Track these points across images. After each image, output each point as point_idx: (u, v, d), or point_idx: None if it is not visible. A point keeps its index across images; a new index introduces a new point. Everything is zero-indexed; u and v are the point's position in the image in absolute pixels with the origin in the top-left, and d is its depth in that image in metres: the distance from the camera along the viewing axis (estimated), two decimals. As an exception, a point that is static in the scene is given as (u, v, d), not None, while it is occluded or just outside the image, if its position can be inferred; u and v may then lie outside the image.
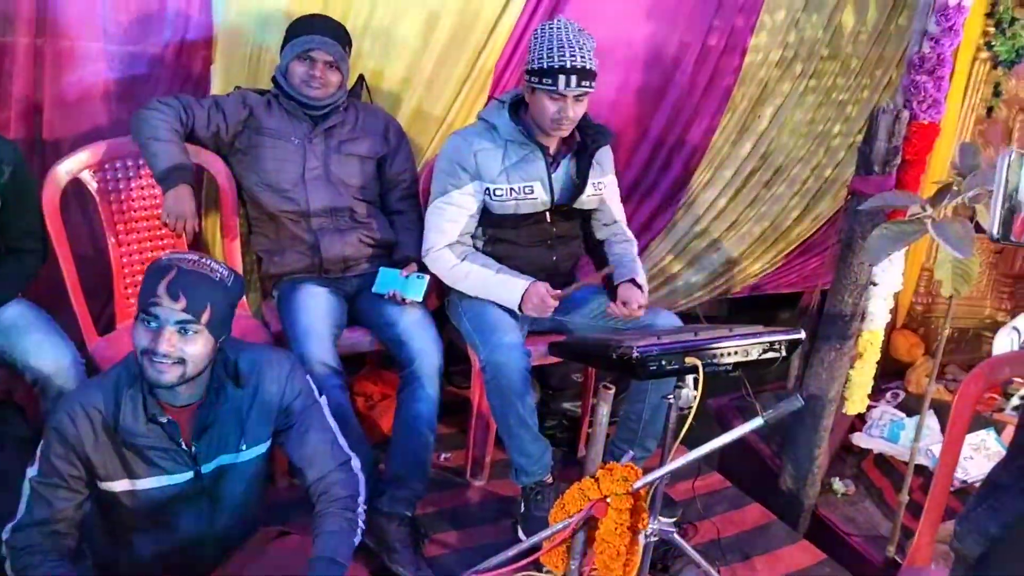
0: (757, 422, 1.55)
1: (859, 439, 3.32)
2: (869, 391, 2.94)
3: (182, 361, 1.57)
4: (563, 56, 2.27)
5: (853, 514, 3.02)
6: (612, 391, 1.50)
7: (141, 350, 1.56)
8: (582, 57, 2.29)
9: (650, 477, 1.52)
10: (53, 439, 1.61)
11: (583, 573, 1.55)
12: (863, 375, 2.87)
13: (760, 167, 3.63)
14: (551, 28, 2.32)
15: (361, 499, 1.80)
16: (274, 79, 2.49)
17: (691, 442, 3.10)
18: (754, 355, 1.97)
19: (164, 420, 1.63)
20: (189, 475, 1.69)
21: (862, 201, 2.50)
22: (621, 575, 1.50)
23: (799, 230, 3.86)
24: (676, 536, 2.13)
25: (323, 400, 1.85)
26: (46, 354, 2.06)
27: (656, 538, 2.06)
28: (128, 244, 2.49)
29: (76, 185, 2.39)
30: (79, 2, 2.38)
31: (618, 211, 2.68)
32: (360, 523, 1.77)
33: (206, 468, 1.71)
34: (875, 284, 2.73)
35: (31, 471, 1.63)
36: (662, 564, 2.37)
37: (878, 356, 2.87)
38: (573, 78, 2.28)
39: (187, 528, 1.74)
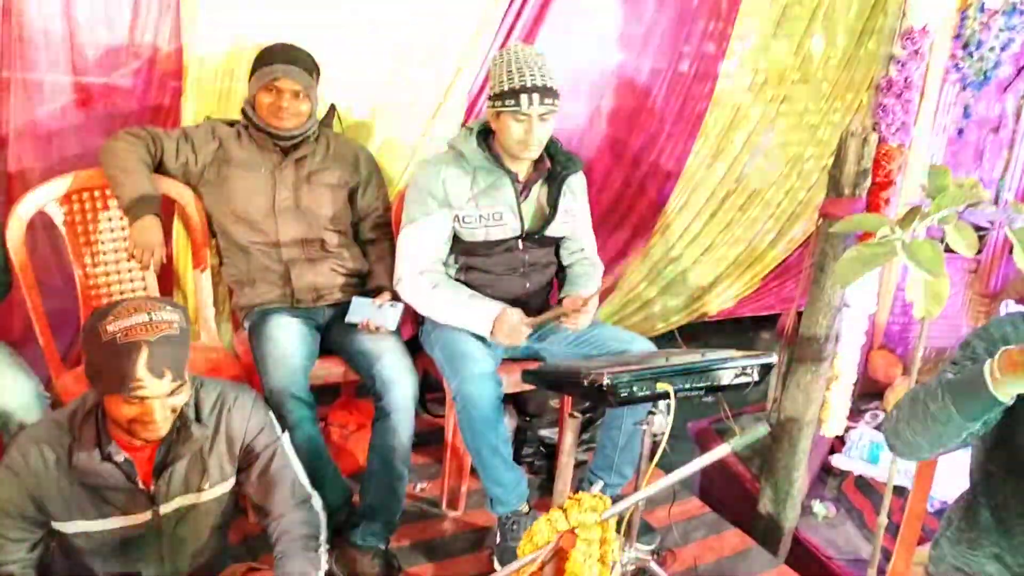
0: (724, 449, 1.54)
1: (839, 461, 3.31)
2: (847, 412, 2.94)
3: (174, 411, 1.58)
4: (523, 76, 2.28)
5: (834, 537, 3.00)
6: (579, 420, 1.49)
7: (128, 421, 1.53)
8: (543, 76, 2.29)
9: (619, 507, 1.50)
10: (6, 477, 1.57)
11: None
12: (840, 397, 2.87)
13: (734, 191, 3.66)
14: (509, 52, 2.33)
15: (322, 537, 1.77)
16: (243, 110, 2.47)
17: (669, 467, 3.10)
18: (726, 380, 1.96)
19: (120, 458, 1.59)
20: (147, 516, 1.65)
21: (833, 224, 2.51)
22: (591, 607, 1.47)
23: (774, 253, 3.89)
24: (653, 564, 2.11)
25: (285, 436, 1.82)
26: (7, 389, 2.02)
27: (633, 567, 2.04)
28: (96, 276, 2.45)
29: (43, 217, 2.36)
30: (47, 35, 2.36)
31: (587, 239, 2.68)
32: (322, 562, 1.74)
33: (165, 509, 1.67)
34: (848, 306, 2.74)
35: None
36: (640, 594, 2.34)
37: (854, 377, 2.87)
38: (536, 96, 2.28)
39: (148, 571, 1.71)
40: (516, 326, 2.34)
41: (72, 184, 2.39)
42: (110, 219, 2.46)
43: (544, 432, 2.94)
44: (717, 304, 3.87)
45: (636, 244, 3.57)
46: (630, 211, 3.50)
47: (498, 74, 2.32)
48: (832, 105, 3.62)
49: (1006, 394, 1.43)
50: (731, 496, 3.20)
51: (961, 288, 3.80)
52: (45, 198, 2.35)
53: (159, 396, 1.51)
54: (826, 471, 3.32)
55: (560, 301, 2.50)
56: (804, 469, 2.95)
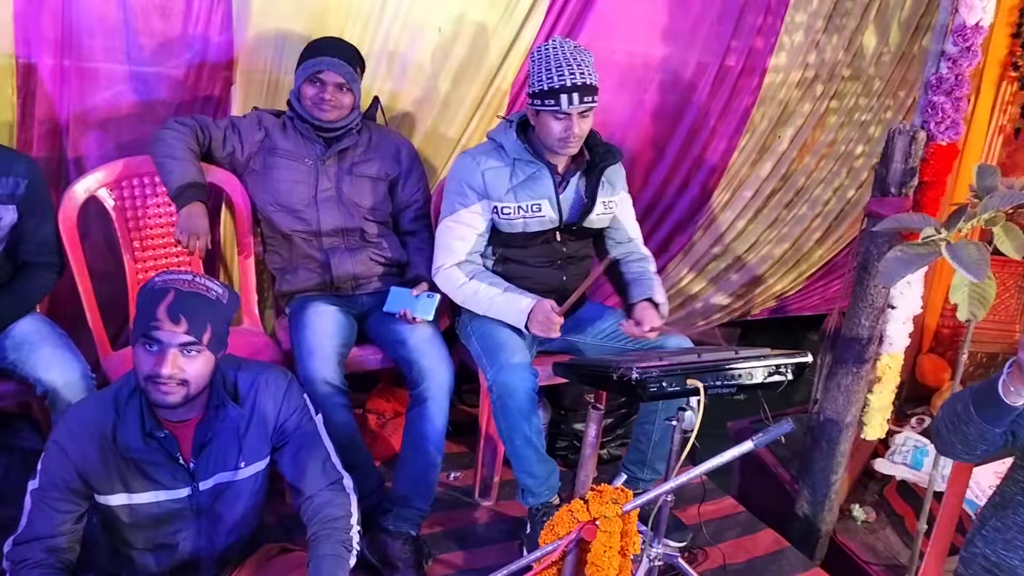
0: (747, 446, 1.53)
1: (881, 465, 3.25)
2: (889, 416, 2.89)
3: (185, 383, 1.59)
4: (563, 75, 2.27)
5: (873, 542, 2.96)
6: (601, 411, 1.49)
7: (144, 376, 1.57)
8: (582, 73, 2.29)
9: (640, 500, 1.50)
10: (54, 452, 1.63)
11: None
12: (882, 400, 2.82)
13: (781, 188, 3.61)
14: (547, 49, 2.32)
15: (354, 519, 1.79)
16: (289, 102, 2.52)
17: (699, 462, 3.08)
18: (759, 378, 1.94)
19: (162, 435, 1.64)
20: (187, 491, 1.70)
21: (877, 223, 2.47)
22: (610, 599, 1.48)
23: (821, 252, 3.82)
24: (680, 560, 2.11)
25: (319, 418, 1.86)
26: (56, 368, 2.09)
27: (661, 562, 2.04)
28: (144, 261, 2.53)
29: (94, 203, 2.44)
30: (103, 25, 2.44)
31: (633, 229, 2.67)
32: (354, 544, 1.76)
33: (204, 485, 1.72)
34: (893, 307, 2.69)
35: (32, 484, 1.65)
36: (669, 590, 2.34)
37: (897, 380, 2.82)
38: (575, 95, 2.28)
39: (186, 545, 1.75)
40: (550, 316, 2.34)
41: (122, 170, 2.47)
42: (159, 205, 2.53)
43: (578, 426, 2.94)
44: (761, 302, 3.83)
45: (678, 240, 3.54)
46: (672, 206, 3.48)
47: (537, 71, 2.32)
48: (884, 103, 3.54)
49: (1015, 401, 1.51)
50: (770, 498, 3.17)
51: (1015, 292, 3.70)
52: (96, 184, 2.43)
53: (171, 344, 1.54)
54: (868, 475, 3.27)
55: (630, 308, 2.46)
56: (843, 472, 2.91)
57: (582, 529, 1.45)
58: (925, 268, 2.70)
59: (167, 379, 1.55)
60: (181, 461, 1.68)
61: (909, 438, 3.32)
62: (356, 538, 1.78)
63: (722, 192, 3.53)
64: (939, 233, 2.22)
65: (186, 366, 1.57)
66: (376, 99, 2.74)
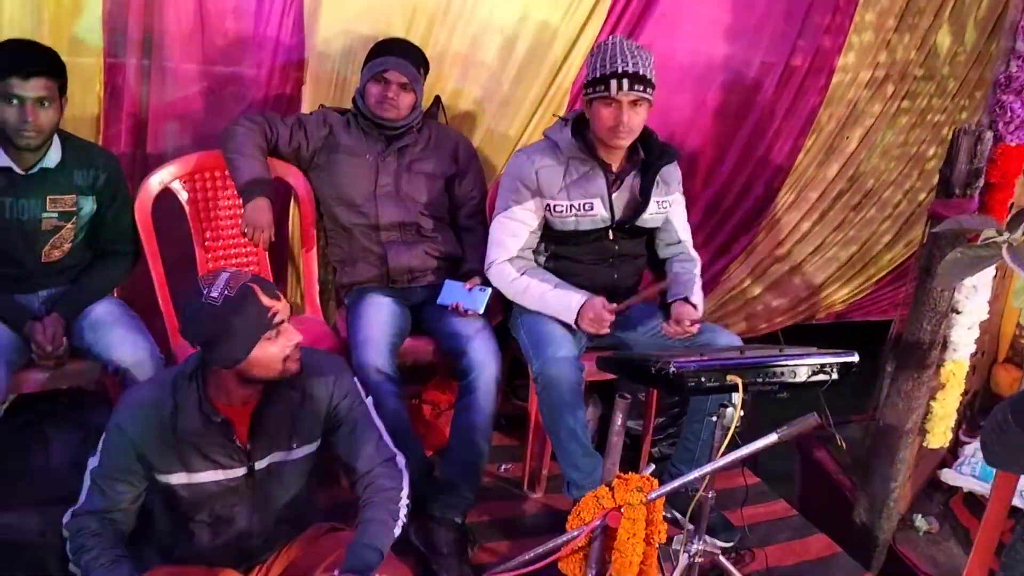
0: (771, 439, 1.53)
1: (948, 476, 3.16)
2: (953, 424, 2.81)
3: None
4: (615, 63, 2.30)
5: (934, 553, 2.88)
6: (628, 400, 1.51)
7: (282, 360, 1.70)
8: (635, 63, 2.31)
9: (665, 488, 1.52)
10: (114, 433, 1.72)
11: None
12: (945, 407, 2.75)
13: (848, 190, 3.54)
14: (605, 44, 2.37)
15: (404, 493, 1.86)
16: (354, 99, 2.62)
17: (755, 467, 3.05)
18: (802, 377, 1.93)
19: (218, 420, 1.72)
20: (243, 471, 1.78)
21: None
22: (634, 585, 1.50)
23: (891, 256, 3.73)
24: (722, 558, 2.10)
25: (369, 401, 1.92)
26: (127, 348, 2.22)
27: (702, 559, 2.04)
28: (214, 251, 2.66)
29: (168, 195, 2.58)
30: (181, 27, 2.56)
31: (683, 230, 2.67)
32: (402, 516, 1.82)
33: (259, 465, 1.80)
34: (958, 312, 2.62)
35: (92, 462, 1.74)
36: (713, 587, 2.33)
37: (962, 388, 2.74)
38: (625, 81, 2.29)
39: (241, 522, 1.83)
40: (600, 313, 2.37)
41: (195, 164, 2.60)
42: (228, 199, 2.66)
43: (629, 423, 2.94)
44: (827, 307, 3.75)
45: (740, 241, 3.51)
46: (735, 207, 3.45)
47: (592, 63, 2.37)
48: (959, 103, 3.44)
49: None
50: (830, 505, 3.12)
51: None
52: (170, 176, 2.56)
53: (288, 317, 1.67)
54: (934, 486, 3.18)
55: (666, 305, 2.49)
56: (904, 480, 2.84)
57: (607, 515, 1.48)
58: (992, 272, 2.63)
59: (294, 361, 1.71)
60: (237, 442, 1.75)
61: (978, 449, 3.21)
62: (404, 511, 1.84)
63: (787, 193, 3.49)
64: (1000, 235, 2.15)
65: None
66: (438, 98, 2.82)
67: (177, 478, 1.74)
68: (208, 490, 1.77)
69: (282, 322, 1.65)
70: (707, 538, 2.05)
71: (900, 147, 3.49)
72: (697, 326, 2.39)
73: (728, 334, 2.51)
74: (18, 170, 2.17)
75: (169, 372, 1.80)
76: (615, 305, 2.38)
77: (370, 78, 2.54)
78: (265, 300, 1.61)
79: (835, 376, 1.96)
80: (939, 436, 2.79)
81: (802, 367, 1.92)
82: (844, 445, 3.12)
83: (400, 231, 2.62)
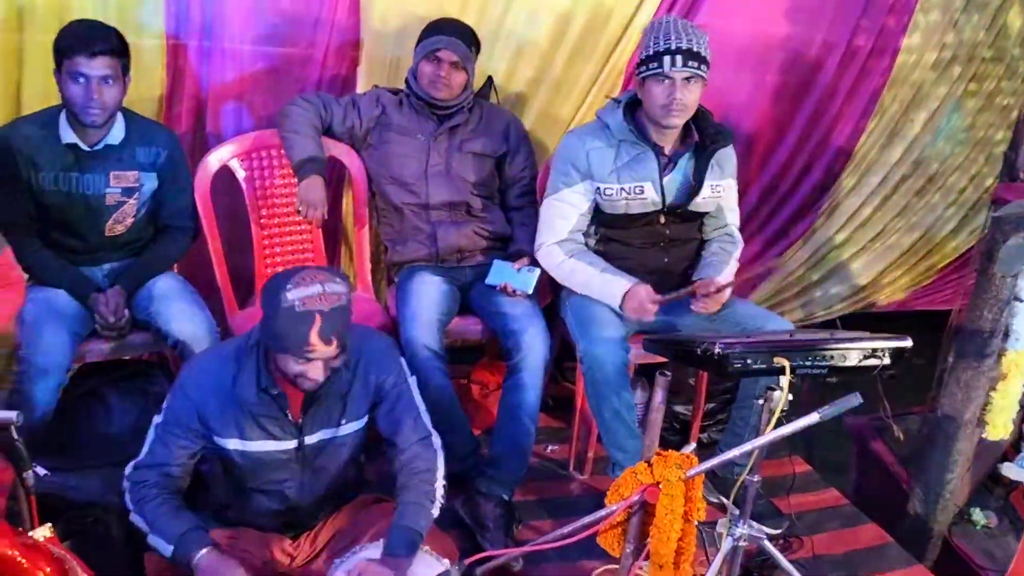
0: (812, 418, 1.51)
1: (1008, 470, 3.04)
2: (1014, 416, 2.72)
3: (332, 371, 1.76)
4: (668, 40, 2.28)
5: (992, 548, 2.79)
6: (668, 377, 1.50)
7: (295, 375, 1.73)
8: (688, 40, 2.27)
9: (704, 465, 1.51)
10: (178, 394, 1.82)
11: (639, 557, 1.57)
12: (1006, 399, 2.66)
13: (912, 174, 3.45)
14: (658, 22, 2.34)
15: (439, 474, 1.89)
16: (407, 79, 2.64)
17: (809, 458, 3.01)
18: (852, 361, 1.89)
19: (275, 392, 1.79)
20: (294, 444, 1.85)
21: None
22: (672, 561, 1.50)
23: (955, 243, 3.63)
24: (767, 543, 2.08)
25: (413, 380, 1.97)
26: (186, 322, 2.30)
27: (746, 543, 2.02)
28: (269, 228, 2.72)
29: (226, 172, 2.64)
30: (240, 9, 2.63)
31: (732, 215, 2.64)
32: (438, 497, 1.86)
33: (309, 439, 1.86)
34: (1021, 300, 2.53)
35: (157, 419, 1.84)
36: (759, 573, 2.31)
37: (1025, 379, 2.64)
38: (679, 57, 2.26)
39: (291, 490, 1.90)
40: (644, 303, 2.35)
41: (252, 143, 2.67)
42: (284, 177, 2.71)
43: (679, 408, 2.94)
44: (887, 294, 3.66)
45: (798, 226, 3.45)
46: (793, 191, 3.38)
47: (645, 41, 2.34)
48: (1030, 86, 3.31)
49: None
50: (885, 496, 3.05)
51: None
52: (229, 155, 2.63)
53: (326, 359, 1.70)
54: (995, 479, 3.08)
55: (692, 281, 2.48)
56: (962, 472, 2.76)
57: (645, 491, 1.48)
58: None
59: (321, 380, 1.73)
60: (290, 417, 1.82)
61: (1043, 443, 3.10)
62: (440, 491, 1.88)
63: (848, 177, 3.41)
64: (1067, 220, 2.08)
65: (334, 364, 1.75)
66: (490, 78, 2.83)
67: (233, 444, 1.82)
68: (261, 459, 1.84)
69: (313, 360, 1.69)
70: (752, 523, 2.03)
71: (966, 131, 3.38)
72: (724, 293, 2.36)
73: (780, 320, 2.47)
74: (84, 146, 2.25)
75: (234, 341, 1.88)
76: (660, 296, 2.36)
77: (422, 57, 2.56)
78: (313, 337, 1.65)
79: (887, 361, 1.92)
80: (999, 428, 2.69)
81: (853, 351, 1.88)
82: (901, 436, 3.06)
83: (450, 210, 2.64)
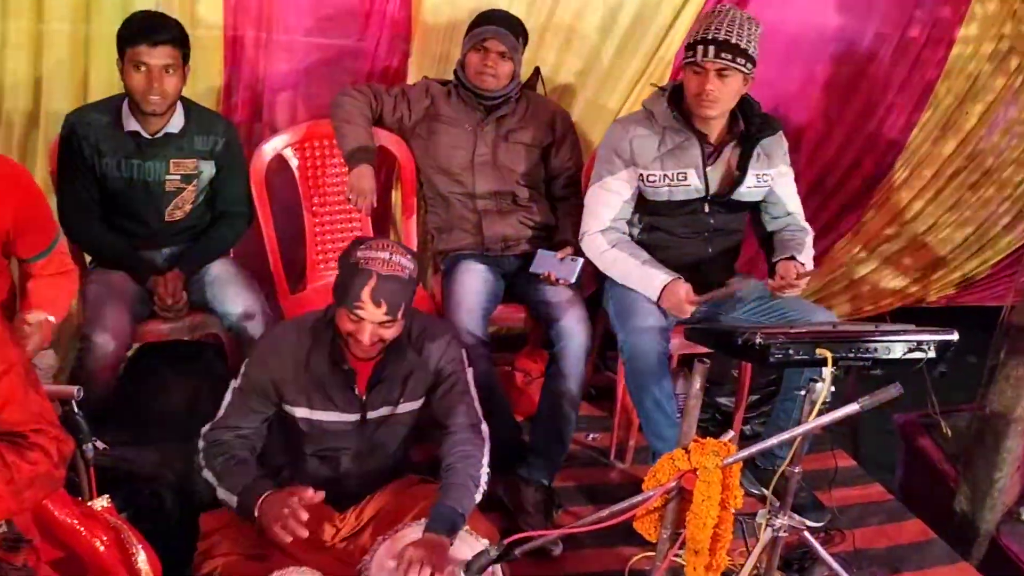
0: (852, 408, 1.51)
1: (1059, 469, 3.00)
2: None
3: (381, 341, 1.81)
4: (708, 29, 2.27)
5: (1041, 547, 2.75)
6: (707, 365, 1.52)
7: (346, 332, 1.80)
8: (729, 32, 2.25)
9: (742, 454, 1.52)
10: (256, 360, 1.91)
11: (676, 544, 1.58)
12: (1058, 396, 2.61)
13: (966, 168, 3.38)
14: (713, 10, 2.33)
15: (485, 460, 1.93)
16: (455, 71, 2.69)
17: (859, 456, 2.99)
18: (897, 353, 1.88)
19: (346, 368, 1.86)
20: (356, 417, 1.92)
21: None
22: (707, 548, 1.52)
23: (1010, 238, 3.55)
24: (807, 535, 2.08)
25: (470, 371, 2.02)
26: (240, 305, 2.38)
27: (786, 534, 2.03)
28: (321, 216, 2.79)
29: (280, 161, 2.72)
30: (296, 1, 2.69)
31: (792, 203, 2.60)
32: (483, 482, 1.90)
33: (371, 415, 1.93)
34: (1075, 297, 2.48)
35: (234, 383, 1.92)
36: (799, 565, 2.31)
37: (1078, 377, 2.59)
38: (711, 48, 2.25)
39: (345, 461, 1.98)
40: (680, 303, 2.36)
41: (306, 133, 2.74)
42: (335, 166, 2.78)
43: (722, 399, 2.94)
44: (937, 290, 3.60)
45: (847, 219, 3.41)
46: (842, 184, 3.35)
47: (693, 30, 2.34)
48: (1092, 78, 3.22)
49: None
50: (931, 494, 3.02)
51: None
52: (283, 144, 2.71)
53: (372, 321, 1.75)
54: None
55: (772, 267, 2.46)
56: (1010, 470, 2.72)
57: (682, 477, 1.50)
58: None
59: (367, 345, 1.78)
60: (356, 392, 1.89)
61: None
62: (484, 477, 1.92)
63: (899, 170, 3.36)
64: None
65: (383, 333, 1.79)
66: (537, 69, 2.86)
67: (301, 411, 1.90)
68: (324, 428, 1.92)
69: (363, 320, 1.75)
70: (792, 514, 2.03)
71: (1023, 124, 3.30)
72: (804, 280, 2.34)
73: (825, 312, 2.46)
74: (145, 134, 2.34)
75: (312, 315, 1.95)
76: (697, 297, 2.37)
77: (470, 48, 2.60)
78: (364, 294, 1.72)
79: (932, 354, 1.90)
80: (1051, 426, 2.65)
81: (897, 343, 1.87)
82: (949, 433, 3.02)
83: (496, 200, 2.68)
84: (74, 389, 1.65)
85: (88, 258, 2.53)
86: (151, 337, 2.45)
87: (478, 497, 1.89)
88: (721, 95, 2.32)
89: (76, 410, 1.67)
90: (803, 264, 2.40)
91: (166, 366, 2.50)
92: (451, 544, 1.75)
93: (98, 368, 2.23)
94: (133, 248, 2.44)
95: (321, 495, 1.74)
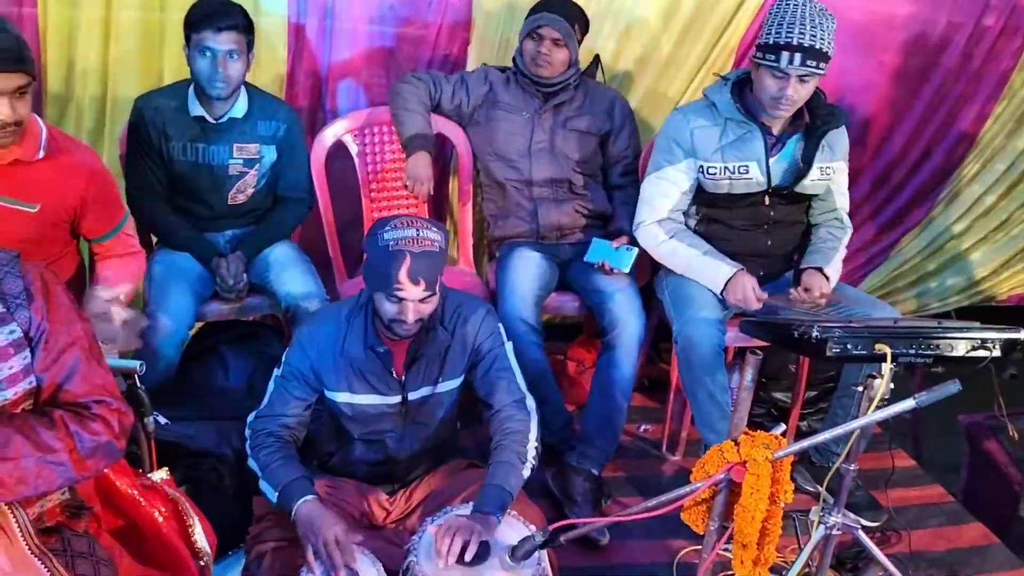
0: (908, 404, 1.47)
1: None
2: None
3: (421, 319, 1.83)
4: (791, 32, 2.19)
5: (1109, 556, 2.64)
6: (759, 356, 1.49)
7: (388, 318, 1.81)
8: (813, 35, 2.19)
9: (793, 448, 1.50)
10: (296, 349, 1.94)
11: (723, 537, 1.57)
12: None
13: (1042, 162, 3.25)
14: (789, 3, 2.23)
15: (532, 435, 1.93)
16: (513, 58, 2.69)
17: (918, 456, 2.91)
18: (960, 351, 1.82)
19: (381, 350, 1.88)
20: (398, 399, 1.94)
21: None
22: (755, 541, 1.50)
23: (1087, 236, 3.40)
24: (861, 533, 2.03)
25: (509, 345, 2.01)
26: (298, 287, 2.43)
27: (839, 532, 1.99)
28: (379, 201, 2.82)
29: (340, 147, 2.76)
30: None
31: (842, 199, 2.55)
32: (530, 459, 1.90)
33: (412, 395, 1.95)
34: None
35: (277, 372, 1.96)
36: (852, 564, 2.27)
37: None
38: (798, 56, 2.19)
39: (391, 443, 2.00)
40: (748, 297, 2.32)
41: (365, 119, 2.77)
42: (394, 152, 2.81)
43: (777, 395, 2.89)
44: (1008, 288, 3.47)
45: (914, 213, 3.31)
46: (910, 177, 3.25)
47: (769, 24, 2.25)
48: None
49: None
50: (996, 498, 2.93)
51: None
52: (343, 130, 2.75)
53: (412, 299, 1.77)
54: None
55: (797, 273, 2.43)
56: (1080, 475, 2.62)
57: (731, 469, 1.48)
58: None
59: (411, 324, 1.80)
60: (394, 374, 1.91)
61: None
62: (532, 452, 1.91)
63: (970, 163, 3.25)
64: None
65: (423, 310, 1.81)
66: (597, 57, 2.84)
67: (343, 396, 1.93)
68: (367, 412, 1.94)
69: (405, 300, 1.76)
70: (847, 512, 1.99)
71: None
72: (825, 300, 2.30)
73: (887, 308, 2.40)
74: (210, 119, 2.40)
75: (347, 302, 1.98)
76: (765, 295, 2.33)
77: (526, 35, 2.59)
78: (402, 275, 1.72)
79: (997, 352, 1.83)
80: (1124, 431, 2.54)
81: (960, 341, 1.81)
82: (1016, 436, 2.91)
83: (552, 187, 2.67)
84: (136, 364, 1.70)
85: (154, 240, 2.60)
86: (212, 317, 2.52)
87: (526, 473, 1.89)
88: (799, 99, 2.28)
89: (139, 385, 1.72)
90: (828, 282, 2.36)
91: (226, 346, 2.55)
92: (498, 522, 1.76)
93: (161, 346, 2.30)
94: (197, 230, 2.51)
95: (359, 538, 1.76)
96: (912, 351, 1.80)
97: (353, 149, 2.78)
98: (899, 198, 3.30)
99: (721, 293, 2.37)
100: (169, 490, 1.59)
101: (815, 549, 1.96)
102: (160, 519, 1.51)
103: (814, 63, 2.21)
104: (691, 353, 2.30)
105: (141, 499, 1.51)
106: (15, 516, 1.22)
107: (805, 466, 2.60)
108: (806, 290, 2.33)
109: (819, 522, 1.96)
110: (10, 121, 1.70)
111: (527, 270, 2.53)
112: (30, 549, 1.22)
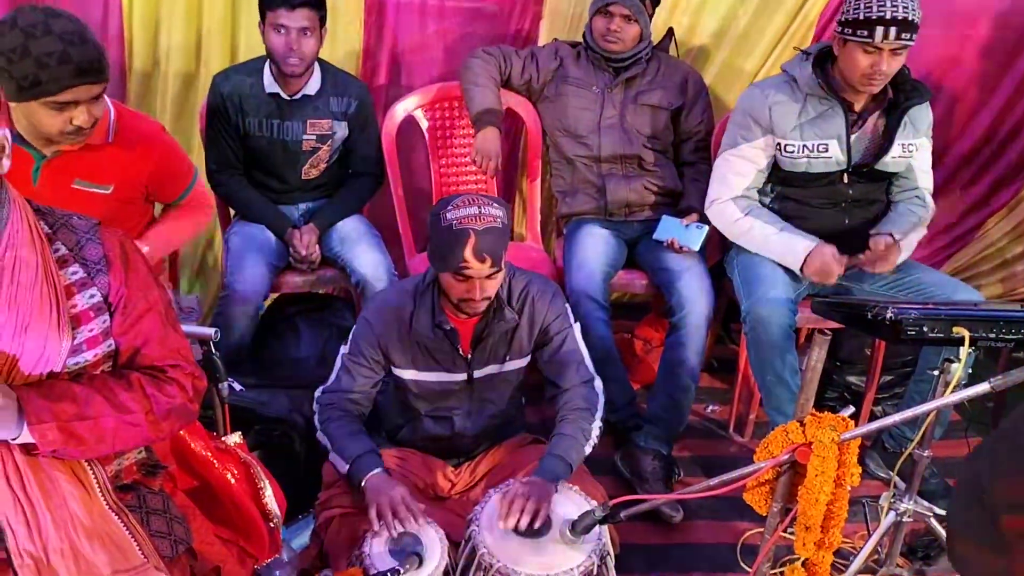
0: (983, 387, 1.41)
1: None
2: None
3: (488, 298, 1.85)
4: (883, 5, 2.12)
5: None
6: (828, 336, 1.45)
7: (457, 299, 1.84)
8: (905, 7, 2.11)
9: (860, 430, 1.46)
10: (363, 327, 1.97)
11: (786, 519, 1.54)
12: None
13: None
14: None
15: (598, 415, 1.94)
16: (584, 33, 2.66)
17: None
18: (1044, 336, 1.75)
19: (448, 328, 1.90)
20: (463, 376, 1.96)
21: None
22: (819, 524, 1.47)
23: None
24: (933, 521, 1.98)
25: (576, 326, 2.01)
26: (367, 261, 2.47)
27: (911, 519, 1.94)
28: (448, 176, 2.85)
29: (411, 122, 2.78)
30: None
31: (924, 178, 2.46)
32: (593, 436, 1.91)
33: (477, 373, 1.97)
34: None
35: (344, 349, 2.00)
36: (924, 552, 2.21)
37: None
38: (892, 30, 2.11)
39: (457, 419, 2.03)
40: (828, 264, 2.27)
41: (436, 95, 2.79)
42: (464, 127, 2.82)
43: (851, 378, 2.82)
44: (1103, 274, 3.30)
45: (1001, 194, 3.17)
46: (997, 156, 3.10)
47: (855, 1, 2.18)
48: None
49: None
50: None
51: None
52: (414, 105, 2.77)
53: (480, 277, 1.78)
54: None
55: (869, 238, 2.35)
56: None
57: (796, 451, 1.45)
58: None
59: (479, 301, 1.82)
60: (460, 352, 1.93)
61: None
62: (595, 432, 1.93)
63: (1064, 143, 3.09)
64: None
65: (490, 286, 1.83)
66: (670, 30, 2.79)
67: (408, 374, 1.96)
68: (433, 388, 1.97)
69: (471, 278, 1.77)
70: (919, 499, 1.94)
71: None
72: (896, 254, 2.24)
73: (969, 290, 2.31)
74: (284, 95, 2.45)
75: (413, 280, 2.01)
76: (847, 258, 2.26)
77: (596, 11, 2.57)
78: (467, 253, 1.73)
79: (1085, 339, 1.75)
80: None
81: (1047, 326, 1.73)
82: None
83: (621, 164, 2.65)
84: (212, 331, 1.76)
85: (232, 212, 2.68)
86: (287, 288, 2.58)
87: (587, 450, 1.91)
88: (891, 72, 2.21)
89: (214, 352, 1.78)
90: (891, 235, 2.28)
91: (299, 317, 2.61)
92: (555, 490, 1.77)
93: (237, 315, 2.38)
94: (272, 203, 2.57)
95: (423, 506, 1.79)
96: (992, 335, 1.73)
97: (423, 124, 2.80)
98: (985, 178, 3.17)
99: (800, 269, 2.32)
100: (242, 454, 1.63)
101: (884, 535, 1.92)
102: (232, 481, 1.55)
103: (908, 35, 2.13)
104: (760, 333, 2.26)
105: (215, 461, 1.55)
106: (94, 472, 1.27)
107: (878, 451, 2.54)
108: (872, 248, 2.26)
109: (889, 508, 1.92)
110: (88, 126, 1.76)
111: (595, 247, 2.52)
112: (108, 504, 1.27)
